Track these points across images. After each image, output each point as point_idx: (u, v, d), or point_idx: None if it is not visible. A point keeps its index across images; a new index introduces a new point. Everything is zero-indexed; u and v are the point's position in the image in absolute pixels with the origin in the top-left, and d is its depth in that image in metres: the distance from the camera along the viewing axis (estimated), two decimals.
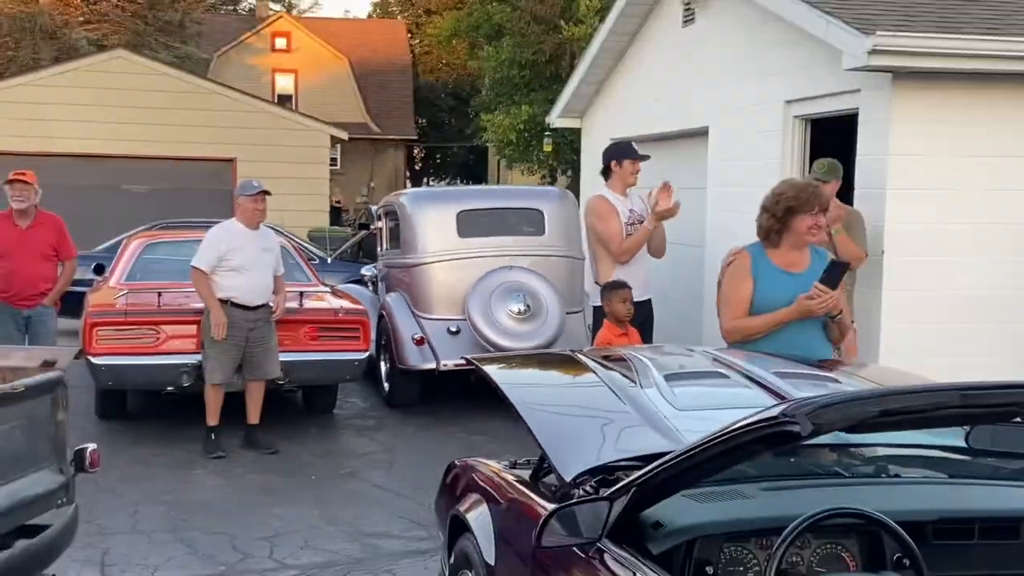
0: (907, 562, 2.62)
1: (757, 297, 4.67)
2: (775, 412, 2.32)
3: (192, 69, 25.25)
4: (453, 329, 8.59)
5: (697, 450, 2.49)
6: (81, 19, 31.59)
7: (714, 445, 2.45)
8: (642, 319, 7.18)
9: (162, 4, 31.92)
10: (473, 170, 38.32)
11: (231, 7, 46.42)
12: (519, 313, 8.51)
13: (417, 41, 41.28)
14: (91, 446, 4.26)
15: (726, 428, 2.44)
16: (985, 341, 7.32)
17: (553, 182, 25.29)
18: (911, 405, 2.39)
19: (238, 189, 7.74)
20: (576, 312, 8.76)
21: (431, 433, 8.23)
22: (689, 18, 10.31)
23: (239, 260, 7.25)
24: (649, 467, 2.61)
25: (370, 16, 47.58)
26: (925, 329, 7.19)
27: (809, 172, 7.90)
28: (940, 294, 7.23)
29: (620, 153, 7.64)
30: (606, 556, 2.60)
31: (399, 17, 44.66)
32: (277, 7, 45.08)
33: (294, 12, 44.14)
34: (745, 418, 2.41)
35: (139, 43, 27.97)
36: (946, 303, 7.25)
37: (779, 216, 4.67)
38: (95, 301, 8.02)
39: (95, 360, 7.43)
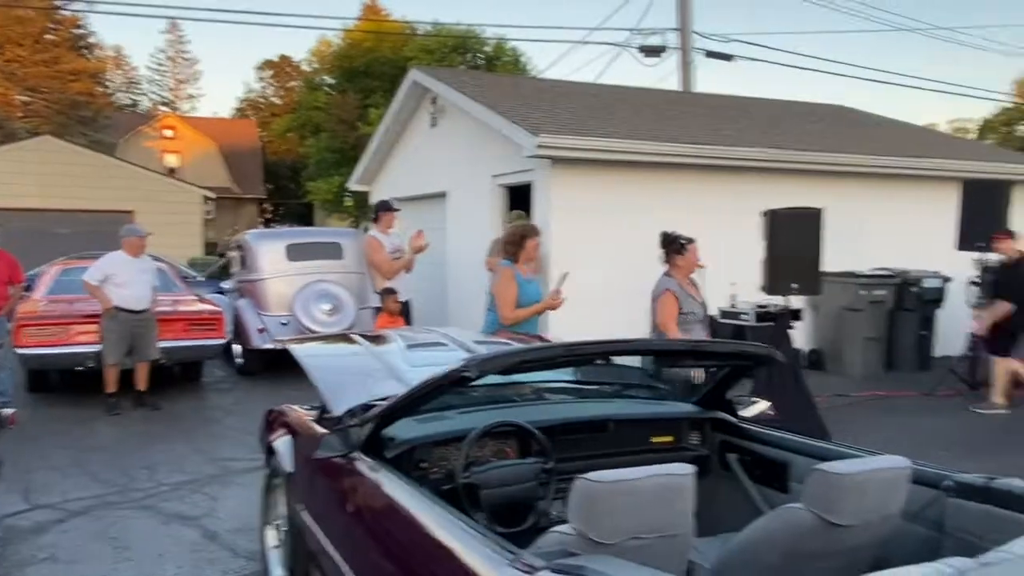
0: (542, 451, 2.72)
1: (519, 296, 4.89)
2: (458, 365, 2.31)
3: (102, 149, 23.04)
4: (284, 322, 8.24)
5: (413, 392, 2.47)
6: (20, 115, 28.40)
7: (423, 388, 2.44)
8: (405, 312, 7.17)
9: (80, 105, 29.14)
10: (306, 218, 36.90)
11: (132, 108, 42.85)
12: (328, 311, 8.28)
13: (265, 133, 39.36)
14: (8, 411, 3.81)
15: (429, 377, 2.44)
16: (609, 317, 7.66)
17: (356, 225, 24.78)
18: (537, 357, 2.47)
19: (124, 231, 7.04)
20: (366, 308, 8.62)
21: (269, 392, 7.81)
22: (434, 123, 10.37)
23: (123, 279, 6.69)
24: (385, 404, 2.58)
25: (232, 117, 45.03)
26: (577, 310, 7.45)
27: (507, 218, 8.12)
28: (583, 289, 7.54)
29: (382, 207, 7.59)
30: (357, 463, 2.55)
31: (252, 118, 42.51)
32: (165, 108, 42.17)
33: (178, 112, 41.24)
34: (442, 370, 2.41)
35: (62, 132, 25.36)
36: (587, 294, 7.50)
37: (517, 242, 4.96)
38: (23, 310, 7.19)
39: (21, 351, 6.67)
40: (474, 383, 2.53)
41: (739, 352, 2.75)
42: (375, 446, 2.60)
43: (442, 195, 10.07)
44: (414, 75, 10.47)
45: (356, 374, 3.25)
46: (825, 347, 8.76)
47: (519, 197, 8.53)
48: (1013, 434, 6.30)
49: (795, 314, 6.14)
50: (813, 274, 6.01)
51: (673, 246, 4.90)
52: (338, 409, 2.85)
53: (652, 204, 8.06)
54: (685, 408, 3.22)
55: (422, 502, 2.10)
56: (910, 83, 55.94)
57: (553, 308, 5.09)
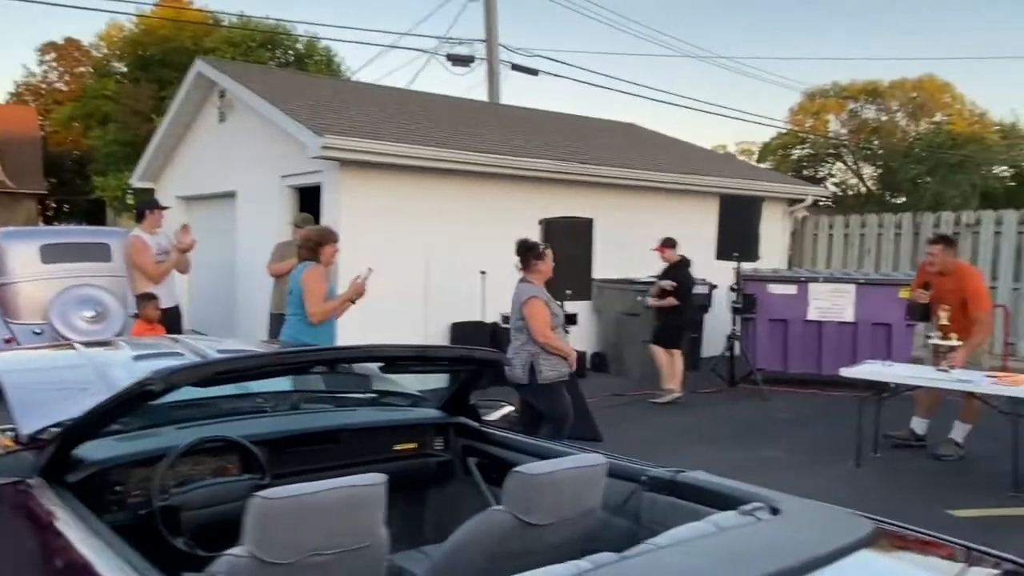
0: (261, 466, 2.55)
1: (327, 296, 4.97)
2: (142, 377, 2.07)
3: None
4: (37, 331, 7.32)
5: (96, 409, 2.22)
6: None
7: (106, 404, 2.19)
8: (173, 319, 6.63)
9: None
10: (97, 216, 33.55)
11: None
12: (91, 318, 7.50)
13: (47, 121, 35.40)
14: None
15: (116, 392, 2.20)
16: (397, 320, 7.56)
17: None
18: (236, 367, 2.28)
19: None
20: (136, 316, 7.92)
21: None
22: (222, 118, 9.79)
23: None
24: (69, 423, 2.30)
25: (6, 103, 40.08)
26: (366, 314, 7.21)
27: (297, 220, 7.77)
28: (372, 293, 7.36)
29: (148, 205, 7.00)
30: (33, 490, 2.22)
31: (31, 104, 38.06)
32: None
33: None
34: (128, 383, 2.16)
35: None
36: (376, 299, 7.31)
37: (312, 248, 4.99)
38: None
39: None
40: (164, 397, 2.30)
41: (466, 357, 2.75)
42: (62, 469, 2.31)
43: (232, 195, 9.52)
44: (199, 66, 9.83)
45: (61, 389, 2.90)
46: (608, 350, 9.23)
47: (312, 199, 8.23)
48: (759, 427, 6.95)
49: (571, 318, 6.37)
50: (585, 280, 6.29)
51: (533, 252, 5.02)
52: (24, 429, 2.51)
53: (443, 210, 8.09)
54: (429, 414, 3.19)
55: (85, 532, 1.88)
56: (708, 108, 61.05)
57: (359, 295, 5.18)
